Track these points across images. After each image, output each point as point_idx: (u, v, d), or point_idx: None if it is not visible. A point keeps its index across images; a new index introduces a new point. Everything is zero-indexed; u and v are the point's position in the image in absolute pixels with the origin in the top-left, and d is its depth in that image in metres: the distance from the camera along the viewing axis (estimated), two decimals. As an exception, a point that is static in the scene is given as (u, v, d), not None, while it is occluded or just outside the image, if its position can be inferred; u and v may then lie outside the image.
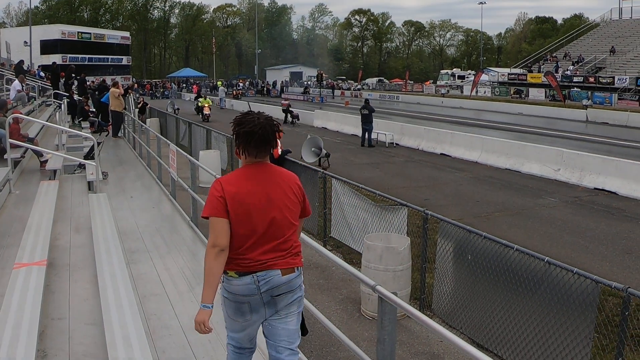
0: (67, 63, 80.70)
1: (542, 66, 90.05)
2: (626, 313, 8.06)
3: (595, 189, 24.01)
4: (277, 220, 5.43)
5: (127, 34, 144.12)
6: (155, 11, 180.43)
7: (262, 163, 5.76)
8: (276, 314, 5.53)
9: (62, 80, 40.57)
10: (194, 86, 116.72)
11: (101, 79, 56.47)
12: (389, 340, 5.57)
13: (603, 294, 9.65)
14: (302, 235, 6.48)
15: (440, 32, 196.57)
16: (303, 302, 5.77)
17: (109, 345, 6.46)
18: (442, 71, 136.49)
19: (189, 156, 15.93)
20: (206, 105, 58.53)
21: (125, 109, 29.87)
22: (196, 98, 67.66)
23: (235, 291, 5.43)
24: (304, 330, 5.92)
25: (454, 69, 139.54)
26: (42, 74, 49.93)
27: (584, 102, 67.63)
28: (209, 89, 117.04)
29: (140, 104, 47.06)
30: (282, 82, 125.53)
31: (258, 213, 5.38)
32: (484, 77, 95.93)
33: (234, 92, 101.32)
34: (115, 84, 30.36)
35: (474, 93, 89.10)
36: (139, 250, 11.22)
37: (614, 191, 23.29)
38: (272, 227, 5.41)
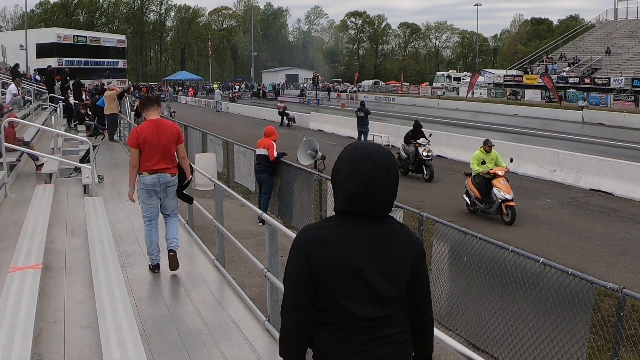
0: (63, 66, 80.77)
1: (537, 67, 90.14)
2: (621, 314, 8.07)
3: (591, 189, 24.05)
4: (165, 149, 10.17)
5: (123, 37, 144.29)
6: (151, 14, 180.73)
7: (156, 119, 10.37)
8: (166, 197, 10.47)
9: (58, 84, 40.53)
10: (190, 89, 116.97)
11: (97, 83, 56.06)
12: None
13: (599, 295, 9.67)
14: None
15: (436, 34, 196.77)
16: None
17: (104, 349, 6.46)
18: (438, 73, 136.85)
19: (184, 159, 15.96)
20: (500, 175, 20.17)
21: (120, 111, 29.86)
22: (409, 141, 29.31)
23: (147, 182, 10.14)
24: (190, 199, 11.99)
25: (450, 71, 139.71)
26: (37, 77, 49.81)
27: (580, 103, 67.62)
28: (205, 92, 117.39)
29: (136, 107, 47.07)
30: (277, 84, 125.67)
31: (156, 146, 10.05)
32: (480, 78, 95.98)
33: (230, 94, 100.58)
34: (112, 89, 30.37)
35: (470, 95, 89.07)
36: (134, 254, 11.23)
37: (609, 192, 23.32)
38: (164, 153, 10.16)
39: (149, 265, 10.43)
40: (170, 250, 10.28)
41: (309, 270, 3.81)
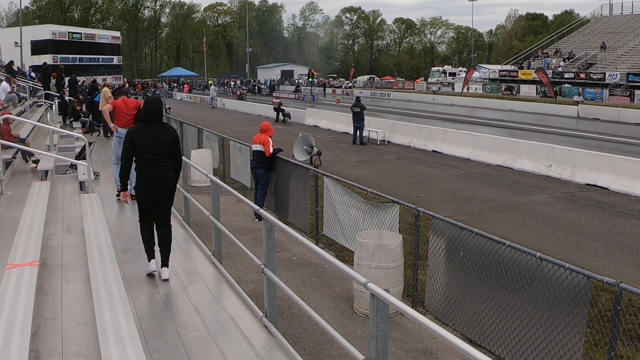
0: (58, 63, 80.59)
1: (532, 63, 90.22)
2: (618, 308, 8.07)
3: (587, 184, 24.08)
4: (130, 115, 15.25)
5: (117, 33, 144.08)
6: (146, 10, 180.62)
7: (124, 98, 15.93)
8: None
9: (54, 81, 40.45)
10: (185, 85, 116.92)
11: (92, 79, 55.81)
12: (381, 337, 5.59)
13: (595, 289, 9.68)
14: (294, 232, 8.03)
15: (431, 30, 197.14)
16: None
17: (102, 345, 6.46)
18: (433, 68, 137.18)
19: (180, 155, 15.97)
20: None
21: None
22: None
23: (120, 134, 14.57)
24: None
25: (445, 66, 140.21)
26: (32, 74, 49.70)
27: (575, 98, 67.82)
28: (201, 88, 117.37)
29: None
30: (273, 80, 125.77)
31: (124, 112, 15.40)
32: (475, 74, 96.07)
33: (239, 92, 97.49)
34: (106, 85, 30.33)
35: (465, 90, 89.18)
36: (131, 250, 11.23)
37: (605, 187, 23.36)
38: (130, 117, 15.20)
39: (117, 192, 15.11)
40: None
41: (131, 142, 9.56)
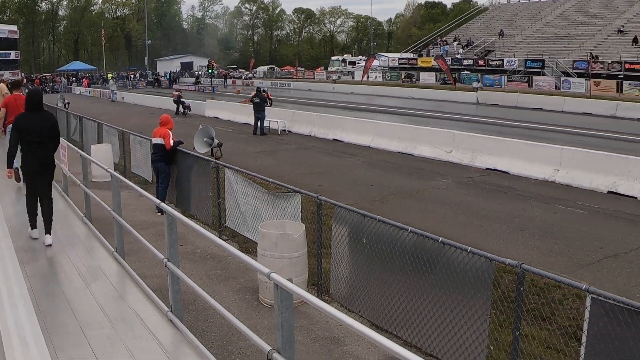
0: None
1: (432, 50, 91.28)
2: (521, 289, 8.19)
3: (488, 169, 24.47)
4: (20, 109, 13.51)
5: (14, 27, 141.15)
6: (43, 3, 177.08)
7: (17, 94, 17.40)
8: None
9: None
10: (85, 79, 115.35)
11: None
12: (287, 326, 5.60)
13: (498, 271, 9.82)
14: (196, 225, 8.14)
15: (331, 19, 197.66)
16: None
17: (5, 347, 6.33)
18: (333, 57, 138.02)
19: (79, 151, 15.73)
20: None
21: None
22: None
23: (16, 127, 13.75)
24: None
25: (345, 55, 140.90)
26: None
27: (474, 84, 68.91)
28: (101, 82, 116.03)
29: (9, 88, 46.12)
30: (172, 72, 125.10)
31: (15, 107, 15.47)
32: (375, 62, 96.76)
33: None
34: (2, 81, 29.79)
35: (365, 78, 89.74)
36: (32, 249, 11.07)
37: (505, 171, 23.77)
38: (19, 111, 13.29)
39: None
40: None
41: (17, 128, 11.63)
